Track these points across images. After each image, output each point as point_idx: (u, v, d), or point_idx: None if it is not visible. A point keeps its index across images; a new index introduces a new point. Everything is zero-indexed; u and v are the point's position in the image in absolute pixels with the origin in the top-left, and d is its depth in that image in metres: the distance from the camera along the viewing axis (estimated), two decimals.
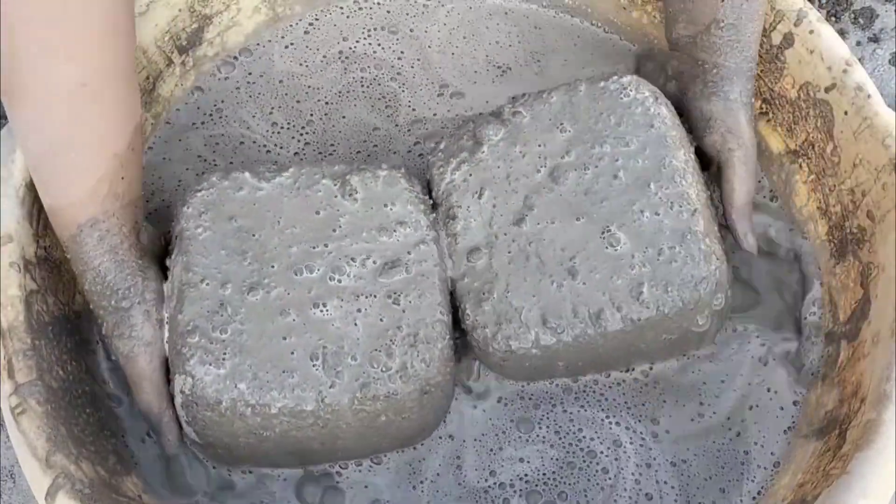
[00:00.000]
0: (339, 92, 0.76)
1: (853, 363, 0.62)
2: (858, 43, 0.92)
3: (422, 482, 0.62)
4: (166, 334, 0.59)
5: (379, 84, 0.77)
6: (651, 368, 0.65)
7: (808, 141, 0.70)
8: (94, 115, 0.56)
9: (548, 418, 0.63)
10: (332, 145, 0.74)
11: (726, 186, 0.65)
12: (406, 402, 0.58)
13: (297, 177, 0.62)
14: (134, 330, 0.58)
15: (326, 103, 0.76)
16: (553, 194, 0.62)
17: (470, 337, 0.61)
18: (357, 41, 0.79)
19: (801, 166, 0.71)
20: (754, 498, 0.62)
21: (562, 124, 0.64)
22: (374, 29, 0.79)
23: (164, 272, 0.62)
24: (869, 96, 0.65)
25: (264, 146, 0.74)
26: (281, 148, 0.73)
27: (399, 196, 0.62)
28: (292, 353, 0.57)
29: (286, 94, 0.76)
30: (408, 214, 0.62)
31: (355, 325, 0.58)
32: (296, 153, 0.73)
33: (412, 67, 0.78)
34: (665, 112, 0.64)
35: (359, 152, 0.74)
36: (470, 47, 0.79)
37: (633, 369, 0.65)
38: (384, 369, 0.57)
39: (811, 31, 0.68)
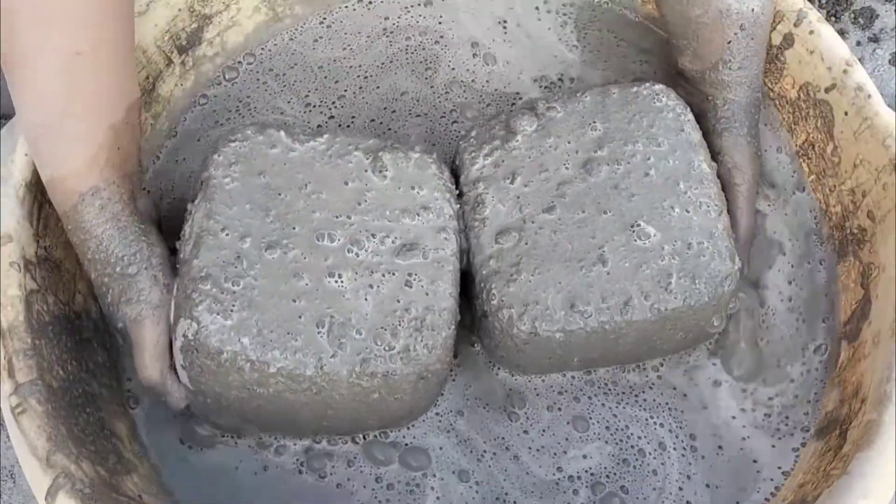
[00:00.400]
0: (382, 64, 0.77)
1: (854, 363, 0.62)
2: (858, 43, 0.92)
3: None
4: (175, 293, 0.59)
5: (423, 49, 0.78)
6: (662, 364, 0.66)
7: (808, 141, 0.70)
8: (90, 84, 0.57)
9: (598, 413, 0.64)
10: (353, 117, 0.75)
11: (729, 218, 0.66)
12: (402, 384, 0.58)
13: (330, 144, 0.63)
14: (142, 294, 0.58)
15: (365, 78, 0.77)
16: (584, 185, 0.63)
17: (493, 318, 0.61)
18: (399, 17, 0.80)
19: (800, 166, 0.71)
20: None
21: (594, 122, 0.66)
22: (413, 6, 0.80)
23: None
24: (869, 96, 0.65)
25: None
26: (308, 124, 0.75)
27: (428, 181, 0.63)
28: (300, 316, 0.57)
29: (325, 77, 0.77)
30: (433, 201, 0.62)
31: (366, 300, 0.58)
32: (318, 125, 0.74)
33: (450, 30, 0.79)
34: (692, 120, 0.66)
35: (373, 120, 0.74)
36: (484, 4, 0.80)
37: (646, 367, 0.65)
38: (387, 348, 0.57)
39: (811, 32, 0.68)
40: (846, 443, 0.57)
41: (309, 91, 0.76)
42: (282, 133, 0.63)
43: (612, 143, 0.65)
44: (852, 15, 0.94)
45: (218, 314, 0.56)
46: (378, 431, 0.63)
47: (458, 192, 0.65)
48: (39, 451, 0.54)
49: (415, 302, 0.59)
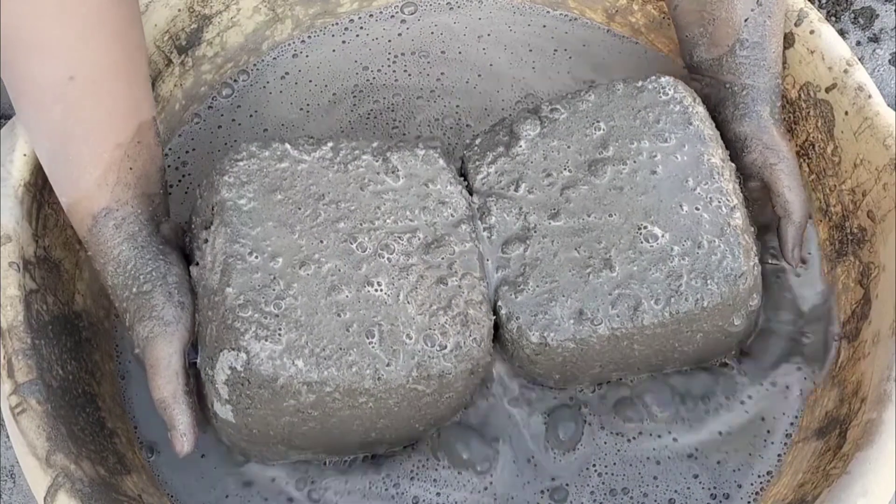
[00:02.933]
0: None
1: (853, 363, 0.62)
2: (858, 43, 0.92)
3: None
4: (198, 315, 0.58)
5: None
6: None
7: (808, 141, 0.70)
8: (87, 106, 0.57)
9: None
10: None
11: (779, 200, 0.64)
12: (456, 382, 0.57)
13: (336, 151, 0.62)
14: (154, 311, 0.56)
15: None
16: (589, 188, 0.62)
17: (503, 329, 0.60)
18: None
19: (801, 166, 0.71)
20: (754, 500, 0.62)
21: (598, 122, 0.64)
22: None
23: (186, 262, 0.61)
24: (870, 96, 0.65)
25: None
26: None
27: (438, 175, 0.62)
28: (348, 329, 0.56)
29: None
30: (448, 195, 0.61)
31: (408, 303, 0.57)
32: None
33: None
34: (702, 111, 0.64)
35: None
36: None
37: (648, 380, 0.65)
38: (439, 348, 0.56)
39: (812, 31, 0.68)
40: (846, 442, 0.57)
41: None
42: (287, 146, 0.61)
43: (616, 143, 0.63)
44: (852, 15, 0.94)
45: (266, 340, 0.54)
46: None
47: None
48: (39, 451, 0.54)
49: (454, 298, 0.58)
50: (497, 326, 0.61)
